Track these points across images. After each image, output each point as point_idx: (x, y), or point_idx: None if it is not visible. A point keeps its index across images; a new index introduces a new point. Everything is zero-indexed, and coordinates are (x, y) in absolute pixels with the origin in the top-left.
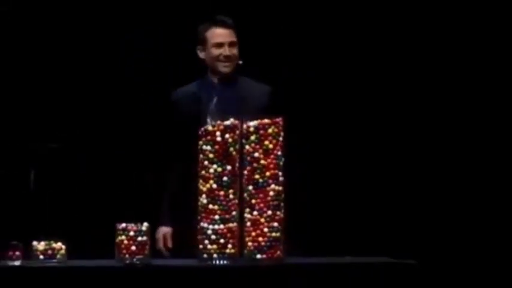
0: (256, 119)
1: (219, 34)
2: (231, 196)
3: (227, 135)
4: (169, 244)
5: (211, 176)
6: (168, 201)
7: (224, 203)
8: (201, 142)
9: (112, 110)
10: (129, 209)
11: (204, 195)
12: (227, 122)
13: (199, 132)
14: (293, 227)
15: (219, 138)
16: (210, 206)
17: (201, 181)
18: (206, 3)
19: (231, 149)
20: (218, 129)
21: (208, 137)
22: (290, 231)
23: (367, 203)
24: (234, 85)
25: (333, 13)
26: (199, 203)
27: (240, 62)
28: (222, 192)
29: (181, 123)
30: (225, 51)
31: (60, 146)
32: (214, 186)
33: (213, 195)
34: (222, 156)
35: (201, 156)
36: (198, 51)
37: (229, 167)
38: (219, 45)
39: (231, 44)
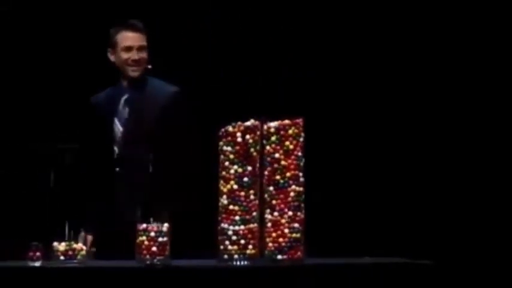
0: (161, 119)
1: (128, 38)
2: (252, 197)
3: (248, 136)
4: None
5: (232, 176)
6: (86, 206)
7: (245, 203)
8: (221, 143)
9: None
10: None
11: (224, 196)
12: (248, 123)
13: (220, 133)
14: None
15: (239, 139)
16: (231, 207)
17: (221, 182)
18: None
19: (252, 149)
20: (239, 130)
21: (229, 138)
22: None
23: (382, 203)
24: (143, 87)
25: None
26: (220, 204)
27: (149, 67)
28: (242, 193)
29: (95, 128)
30: (134, 55)
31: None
32: (235, 186)
33: (233, 195)
34: (243, 157)
35: (222, 156)
36: (109, 54)
37: (249, 168)
38: (128, 48)
39: (140, 48)
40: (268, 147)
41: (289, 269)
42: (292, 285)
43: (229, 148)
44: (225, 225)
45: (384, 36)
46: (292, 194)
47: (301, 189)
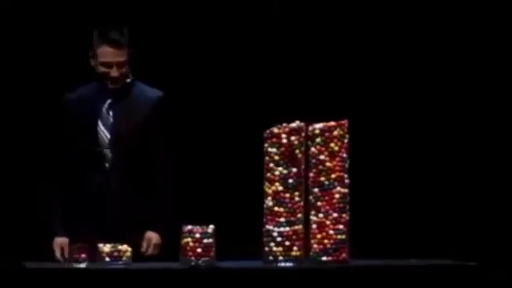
0: (145, 124)
1: (107, 53)
2: (297, 198)
3: (293, 138)
4: (67, 255)
5: (277, 178)
6: (56, 211)
7: (290, 205)
8: (266, 144)
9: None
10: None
11: (269, 198)
12: (293, 124)
13: (265, 135)
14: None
15: (284, 141)
16: (276, 209)
17: (266, 183)
18: None
19: (297, 151)
20: (283, 132)
21: (274, 139)
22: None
23: (427, 204)
24: (128, 90)
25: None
26: (265, 205)
27: (128, 80)
28: (287, 195)
29: (72, 126)
30: (114, 72)
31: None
32: (280, 188)
33: (278, 197)
34: (288, 158)
35: (267, 158)
36: (90, 57)
37: (294, 169)
38: (108, 65)
39: (119, 64)
40: (313, 149)
41: (334, 270)
42: (337, 286)
43: (274, 150)
44: (270, 227)
45: (427, 39)
46: (337, 195)
47: (346, 190)
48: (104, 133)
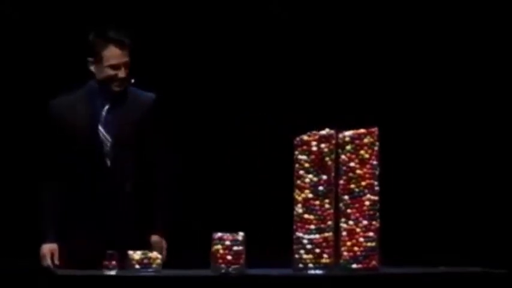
0: (142, 127)
1: (116, 55)
2: (327, 206)
3: (323, 145)
4: (56, 261)
5: (307, 185)
6: (49, 216)
7: (320, 212)
8: (296, 152)
9: None
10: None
11: (299, 205)
12: (323, 132)
13: (295, 142)
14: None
15: (314, 148)
16: (306, 216)
17: (296, 191)
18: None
19: (327, 158)
20: (314, 139)
21: (304, 147)
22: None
23: (457, 211)
24: (124, 95)
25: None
26: (295, 213)
27: (132, 81)
28: (317, 202)
29: (65, 132)
30: (122, 73)
31: None
32: (310, 195)
33: (308, 204)
34: (318, 165)
35: (297, 165)
36: (89, 64)
37: (324, 177)
38: (115, 67)
39: (125, 65)
40: (343, 156)
41: (364, 278)
42: None
43: (304, 157)
44: (300, 234)
45: (457, 46)
46: (367, 203)
47: (376, 198)
48: (105, 136)
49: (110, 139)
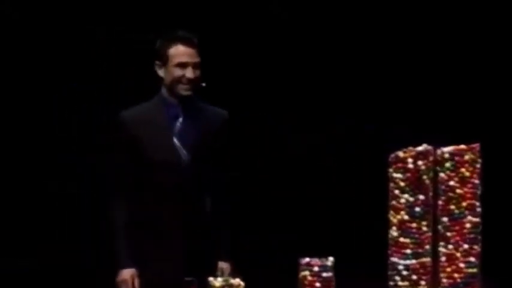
0: (215, 144)
1: (183, 53)
2: (424, 228)
3: (420, 162)
4: (137, 287)
5: (403, 206)
6: (123, 239)
7: (416, 235)
8: (391, 170)
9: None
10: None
11: (394, 228)
12: (420, 148)
13: (389, 159)
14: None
15: (410, 165)
16: (401, 239)
17: (391, 212)
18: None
19: (424, 177)
20: (410, 156)
21: (399, 164)
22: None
23: None
24: (196, 107)
25: None
26: (390, 236)
27: (203, 84)
28: (414, 224)
29: (137, 146)
30: (189, 73)
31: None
32: (406, 217)
33: (404, 227)
34: (414, 184)
35: (392, 184)
36: (156, 68)
37: (422, 197)
38: (183, 65)
39: (195, 65)
40: (442, 175)
41: None
42: None
43: (399, 175)
44: (395, 259)
45: None
46: (468, 225)
47: (477, 220)
48: (181, 149)
49: (185, 152)
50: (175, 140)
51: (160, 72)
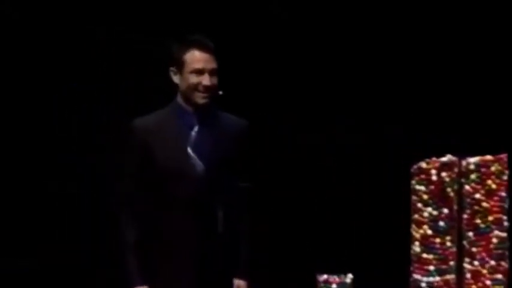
0: (233, 155)
1: (200, 59)
2: (448, 244)
3: (444, 174)
4: None
5: (426, 220)
6: (134, 256)
7: (440, 251)
8: (413, 181)
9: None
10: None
11: (417, 243)
12: (444, 159)
13: (412, 170)
14: None
15: (434, 177)
16: (424, 255)
17: (413, 226)
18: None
19: (448, 189)
20: (433, 167)
21: (422, 176)
22: None
23: None
24: (213, 116)
25: None
26: (412, 252)
27: (220, 93)
28: (437, 239)
29: (149, 156)
30: (206, 80)
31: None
32: (429, 232)
33: (427, 242)
34: (438, 197)
35: (414, 197)
36: (171, 74)
37: (446, 210)
38: (199, 72)
39: (212, 72)
40: (467, 187)
41: None
42: None
43: (422, 187)
44: (418, 276)
45: None
46: (494, 240)
47: (505, 235)
48: (196, 161)
49: (200, 163)
50: (189, 150)
51: (175, 79)
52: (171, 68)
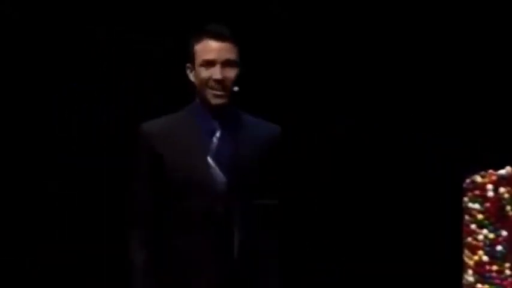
0: (259, 165)
1: (211, 49)
2: (507, 272)
3: (502, 189)
4: None
5: (481, 244)
6: (143, 276)
7: (498, 281)
8: (466, 198)
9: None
10: None
11: (470, 271)
12: (502, 171)
13: (464, 185)
14: None
15: (490, 193)
16: (479, 286)
17: (466, 251)
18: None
19: (508, 207)
20: (490, 181)
21: (476, 192)
22: None
23: None
24: (238, 120)
25: None
26: (464, 281)
27: (235, 89)
28: (494, 267)
29: (161, 166)
30: (216, 73)
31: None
32: (485, 258)
33: (483, 270)
34: (495, 217)
35: (467, 217)
36: (188, 72)
37: (504, 233)
38: (210, 63)
39: (225, 63)
40: None
41: None
42: None
43: (476, 206)
44: None
45: None
46: None
47: None
48: (217, 172)
49: (221, 174)
50: (209, 159)
51: (191, 77)
52: (188, 65)
